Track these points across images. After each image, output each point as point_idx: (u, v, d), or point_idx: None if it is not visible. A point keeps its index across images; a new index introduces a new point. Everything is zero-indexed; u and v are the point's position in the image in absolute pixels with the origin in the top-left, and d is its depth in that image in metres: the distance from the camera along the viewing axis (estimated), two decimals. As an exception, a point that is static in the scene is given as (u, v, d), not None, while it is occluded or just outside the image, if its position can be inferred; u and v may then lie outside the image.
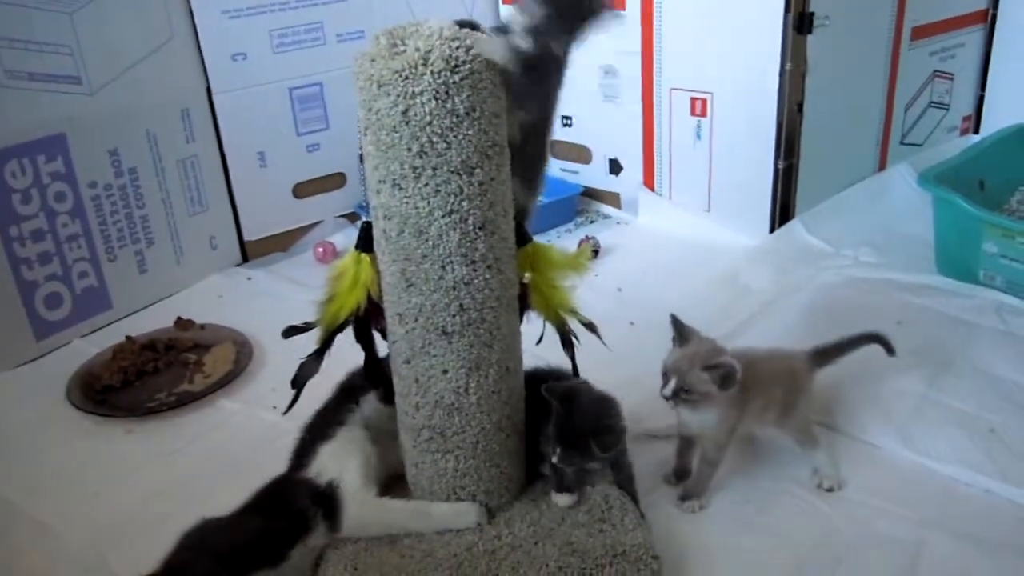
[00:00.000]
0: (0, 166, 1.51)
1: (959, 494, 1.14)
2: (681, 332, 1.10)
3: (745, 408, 1.10)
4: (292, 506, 1.01)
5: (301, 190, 2.01)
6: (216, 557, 0.92)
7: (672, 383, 1.05)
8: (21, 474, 1.30)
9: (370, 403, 1.11)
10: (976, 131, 2.29)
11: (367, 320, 1.01)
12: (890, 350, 1.25)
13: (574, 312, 1.06)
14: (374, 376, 1.06)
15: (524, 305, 1.02)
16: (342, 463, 1.04)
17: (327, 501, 1.02)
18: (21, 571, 1.11)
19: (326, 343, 1.01)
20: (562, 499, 1.04)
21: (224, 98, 1.84)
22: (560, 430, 1.00)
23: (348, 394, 1.12)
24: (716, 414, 1.08)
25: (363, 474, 1.04)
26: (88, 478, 1.28)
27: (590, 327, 1.08)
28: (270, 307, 1.73)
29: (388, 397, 1.08)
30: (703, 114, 1.87)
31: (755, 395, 1.11)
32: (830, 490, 1.14)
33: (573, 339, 1.07)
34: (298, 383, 1.03)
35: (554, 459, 1.01)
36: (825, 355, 1.22)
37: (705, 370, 1.04)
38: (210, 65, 1.80)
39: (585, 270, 1.05)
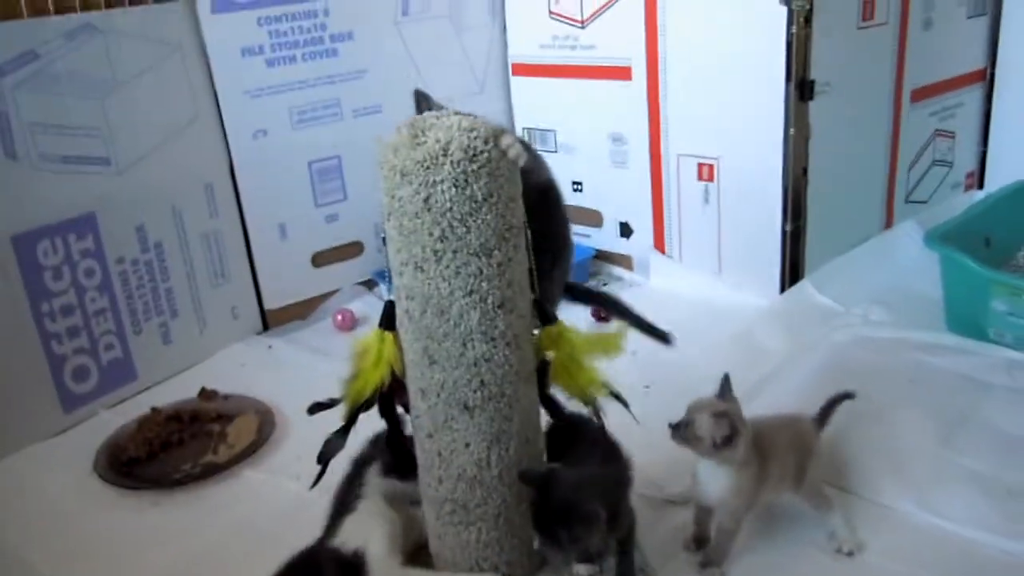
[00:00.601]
0: (33, 245, 1.56)
1: (978, 556, 1.14)
2: (722, 389, 1.13)
3: (765, 479, 1.12)
4: (324, 571, 1.03)
5: (320, 259, 2.06)
6: None
7: (683, 418, 1.09)
8: (50, 545, 1.32)
9: (373, 476, 1.13)
10: (980, 186, 2.33)
11: (391, 396, 1.04)
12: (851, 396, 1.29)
13: (605, 386, 1.08)
14: (397, 449, 1.09)
15: (544, 381, 1.05)
16: (366, 532, 1.06)
17: (353, 571, 1.04)
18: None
19: (351, 420, 1.04)
20: (583, 569, 1.06)
21: (246, 173, 1.90)
22: (535, 518, 1.01)
23: (360, 467, 1.15)
24: (729, 483, 1.10)
25: (388, 543, 1.05)
26: (116, 550, 1.30)
27: (620, 400, 1.10)
28: (291, 375, 1.76)
29: (388, 470, 1.11)
30: (710, 179, 1.91)
31: (773, 464, 1.13)
32: (850, 554, 1.15)
33: (600, 414, 1.09)
34: (323, 460, 1.06)
35: (535, 545, 1.02)
36: (821, 420, 1.26)
37: (713, 416, 1.07)
38: (233, 142, 1.87)
39: (618, 352, 1.07)
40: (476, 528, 1.03)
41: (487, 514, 1.02)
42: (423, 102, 1.11)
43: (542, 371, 1.04)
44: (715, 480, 1.11)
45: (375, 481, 1.13)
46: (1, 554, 1.30)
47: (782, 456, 1.14)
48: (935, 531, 1.19)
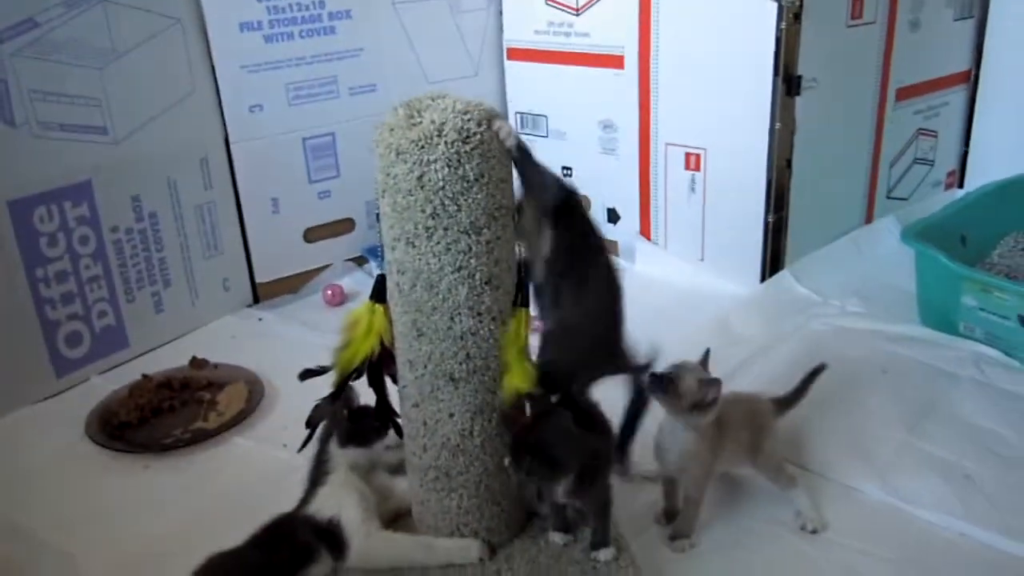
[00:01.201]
0: (30, 211, 1.59)
1: (936, 537, 1.20)
2: (703, 361, 1.18)
3: (719, 449, 1.18)
4: (294, 540, 1.07)
5: (312, 234, 2.09)
6: None
7: (665, 370, 1.12)
8: (43, 506, 1.35)
9: (334, 449, 1.16)
10: (960, 185, 2.39)
11: (379, 366, 1.08)
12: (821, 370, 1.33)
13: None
14: (383, 418, 1.13)
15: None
16: (339, 502, 1.10)
17: (329, 536, 1.08)
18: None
19: (340, 387, 1.08)
20: (557, 537, 1.11)
21: (241, 147, 1.93)
22: (515, 437, 1.04)
23: (323, 444, 1.18)
24: (688, 448, 1.15)
25: (362, 509, 1.10)
26: (107, 511, 1.34)
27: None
28: (280, 348, 1.80)
29: (346, 440, 1.14)
30: (697, 168, 1.96)
31: (728, 438, 1.19)
32: (814, 531, 1.21)
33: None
34: (312, 424, 1.10)
35: (505, 461, 1.03)
36: (786, 404, 1.31)
37: (698, 381, 1.11)
38: (228, 116, 1.89)
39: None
40: (458, 495, 1.07)
41: (469, 481, 1.07)
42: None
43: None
44: (675, 444, 1.16)
45: (337, 454, 1.16)
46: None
47: (736, 431, 1.20)
48: (896, 512, 1.24)
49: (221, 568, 1.03)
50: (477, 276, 0.98)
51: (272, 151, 1.97)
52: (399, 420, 1.13)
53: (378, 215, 1.02)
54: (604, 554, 1.09)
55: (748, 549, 1.19)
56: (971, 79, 2.31)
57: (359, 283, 2.08)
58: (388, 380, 1.12)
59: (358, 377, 1.08)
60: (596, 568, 1.06)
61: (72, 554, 1.23)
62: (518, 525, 1.14)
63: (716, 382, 1.12)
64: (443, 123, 0.94)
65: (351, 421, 1.15)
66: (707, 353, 1.19)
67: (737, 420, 1.21)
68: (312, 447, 1.16)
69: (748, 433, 1.22)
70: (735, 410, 1.21)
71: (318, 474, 1.15)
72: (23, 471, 1.45)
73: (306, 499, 1.13)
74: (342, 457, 1.15)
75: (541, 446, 1.01)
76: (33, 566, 1.22)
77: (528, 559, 1.09)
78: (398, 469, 1.19)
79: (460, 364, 1.01)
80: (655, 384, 1.11)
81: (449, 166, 0.94)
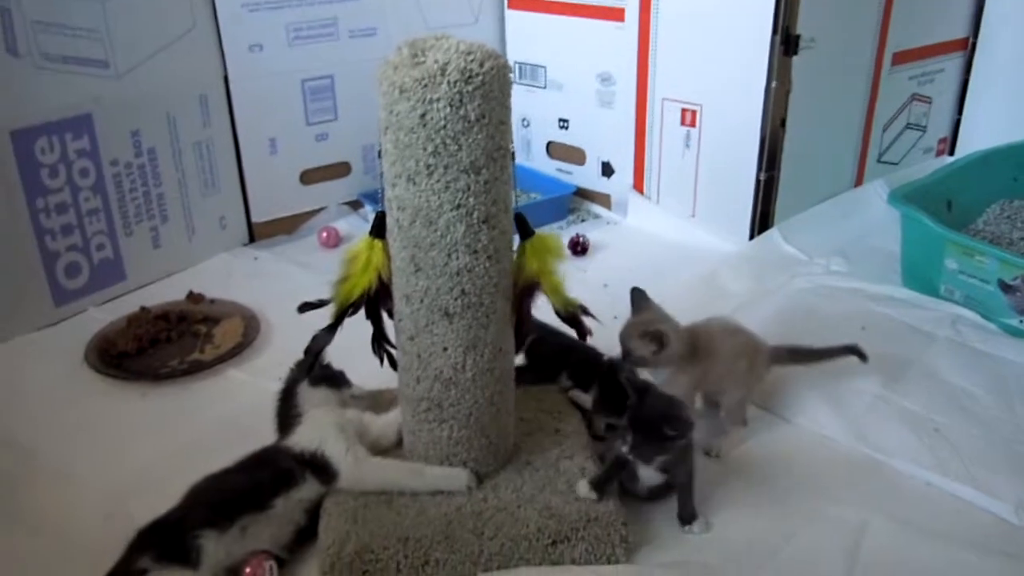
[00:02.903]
0: (31, 142, 1.60)
1: (903, 485, 1.25)
2: (636, 302, 1.27)
3: (705, 374, 1.26)
4: (276, 464, 1.12)
5: (308, 177, 2.11)
6: (209, 506, 1.05)
7: (621, 350, 1.22)
8: (43, 428, 1.39)
9: (304, 391, 1.23)
10: (951, 153, 2.41)
11: (377, 300, 1.12)
12: (863, 357, 1.40)
13: (573, 301, 1.16)
14: (379, 350, 1.17)
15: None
16: (319, 435, 1.15)
17: (312, 462, 1.13)
18: (45, 516, 1.20)
19: (339, 319, 1.11)
20: (583, 487, 1.12)
21: (240, 86, 1.94)
22: (633, 419, 1.09)
23: (287, 396, 1.25)
24: (669, 374, 1.25)
25: (344, 439, 1.14)
26: (106, 434, 1.38)
27: (586, 311, 1.17)
28: (276, 286, 1.83)
29: (317, 381, 1.22)
30: (692, 124, 1.98)
31: (719, 363, 1.27)
32: (718, 456, 1.28)
33: (584, 323, 1.17)
34: (311, 352, 1.14)
35: (624, 449, 1.09)
36: (794, 355, 1.37)
37: (640, 337, 1.20)
38: (228, 54, 1.90)
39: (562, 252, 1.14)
40: (448, 426, 1.12)
41: (459, 413, 1.11)
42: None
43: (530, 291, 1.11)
44: (657, 377, 1.26)
45: (307, 394, 1.22)
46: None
47: (734, 359, 1.28)
48: (866, 460, 1.29)
49: (209, 488, 1.08)
50: (475, 215, 1.01)
51: (271, 91, 1.98)
52: (393, 352, 1.16)
53: (379, 152, 1.04)
54: (698, 526, 1.14)
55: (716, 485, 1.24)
56: (968, 47, 2.32)
57: (354, 227, 2.11)
58: (384, 314, 1.15)
59: (356, 311, 1.12)
60: (579, 499, 1.11)
61: (70, 475, 1.28)
62: (505, 457, 1.18)
63: (656, 333, 1.20)
64: (447, 63, 0.96)
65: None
66: (634, 292, 1.29)
67: (736, 350, 1.29)
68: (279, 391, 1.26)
69: (746, 363, 1.29)
70: (736, 340, 1.29)
71: (288, 416, 1.21)
72: (23, 395, 1.49)
73: (284, 436, 1.18)
74: (311, 396, 1.21)
75: (653, 420, 1.07)
76: (32, 485, 1.26)
77: (513, 488, 1.13)
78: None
79: (455, 299, 1.04)
80: (625, 366, 1.22)
81: (451, 106, 0.96)
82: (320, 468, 1.12)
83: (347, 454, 1.13)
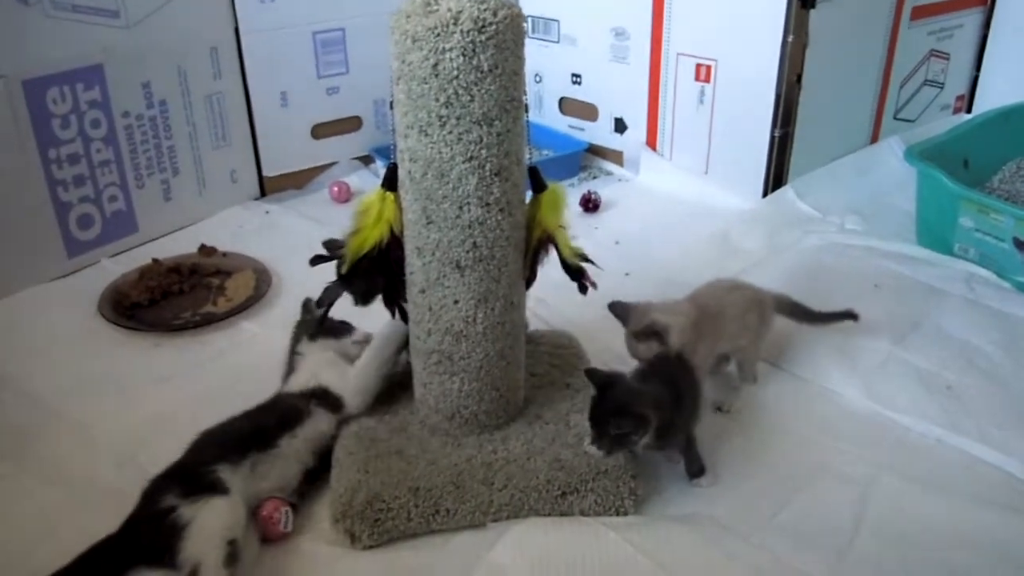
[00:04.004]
0: (43, 92, 1.60)
1: (912, 441, 1.25)
2: (619, 315, 1.24)
3: (718, 336, 1.25)
4: (277, 408, 1.16)
5: (319, 131, 2.10)
6: (218, 445, 1.08)
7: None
8: (57, 377, 1.41)
9: (303, 346, 1.28)
10: (969, 110, 2.38)
11: (388, 252, 1.12)
12: (854, 317, 1.39)
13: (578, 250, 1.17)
14: (390, 302, 1.18)
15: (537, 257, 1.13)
16: (314, 373, 1.21)
17: (315, 395, 1.18)
18: (60, 465, 1.22)
19: (351, 270, 1.12)
20: (592, 450, 1.10)
21: (251, 39, 1.92)
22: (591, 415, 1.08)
23: (295, 342, 1.31)
24: (689, 350, 1.21)
25: (339, 371, 1.20)
26: (119, 384, 1.40)
27: (588, 260, 1.17)
28: (287, 240, 1.84)
29: (315, 334, 1.26)
30: (707, 80, 1.95)
31: (729, 322, 1.26)
32: (728, 411, 1.30)
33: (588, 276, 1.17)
34: (323, 303, 1.15)
35: (587, 441, 1.08)
36: (795, 309, 1.37)
37: (642, 341, 1.18)
38: (240, 6, 1.88)
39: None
40: (459, 378, 1.12)
41: (470, 366, 1.11)
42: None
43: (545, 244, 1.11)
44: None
45: (306, 348, 1.27)
46: (7, 384, 1.39)
47: (743, 314, 1.28)
48: (875, 416, 1.30)
49: (211, 432, 1.11)
50: (487, 167, 1.01)
51: (282, 44, 1.96)
52: (405, 305, 1.17)
53: (391, 103, 1.03)
54: (706, 480, 1.15)
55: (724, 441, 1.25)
56: (988, 2, 2.28)
57: (365, 181, 2.11)
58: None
59: (368, 263, 1.12)
60: (587, 452, 1.11)
61: (84, 424, 1.29)
62: (515, 410, 1.19)
63: (650, 330, 1.18)
64: (459, 11, 0.95)
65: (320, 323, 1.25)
66: (613, 305, 1.25)
67: (743, 305, 1.29)
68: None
69: (755, 315, 1.29)
70: (740, 296, 1.29)
71: (290, 368, 1.25)
72: (38, 344, 1.51)
73: (285, 384, 1.23)
74: (310, 348, 1.25)
75: (619, 409, 1.06)
76: (47, 433, 1.28)
77: (523, 441, 1.14)
78: None
79: (467, 252, 1.04)
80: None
81: (464, 55, 0.95)
82: (323, 397, 1.17)
83: (339, 380, 1.19)
